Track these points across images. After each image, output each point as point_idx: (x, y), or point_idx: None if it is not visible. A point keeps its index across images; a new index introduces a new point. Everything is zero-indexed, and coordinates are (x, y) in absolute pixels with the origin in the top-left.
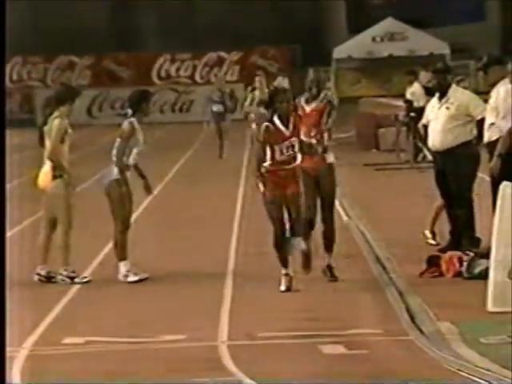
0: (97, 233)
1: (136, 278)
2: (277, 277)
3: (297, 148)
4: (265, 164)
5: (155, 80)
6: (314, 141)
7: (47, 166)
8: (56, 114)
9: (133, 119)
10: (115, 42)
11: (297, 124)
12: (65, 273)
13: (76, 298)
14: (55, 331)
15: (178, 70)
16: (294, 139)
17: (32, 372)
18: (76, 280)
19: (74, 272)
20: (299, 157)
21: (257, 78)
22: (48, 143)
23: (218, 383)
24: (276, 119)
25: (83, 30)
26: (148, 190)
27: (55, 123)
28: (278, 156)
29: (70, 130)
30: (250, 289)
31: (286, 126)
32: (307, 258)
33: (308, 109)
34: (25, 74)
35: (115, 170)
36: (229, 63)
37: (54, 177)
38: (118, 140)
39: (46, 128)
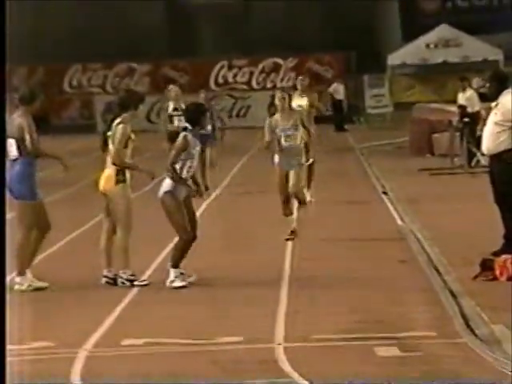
0: (154, 237)
1: (183, 283)
2: (330, 277)
3: None
4: None
5: (213, 86)
6: None
7: (110, 171)
8: (119, 119)
9: (187, 133)
10: (173, 49)
11: None
12: (124, 276)
13: (135, 300)
14: (115, 333)
15: (235, 76)
16: None
17: (92, 373)
18: (135, 283)
19: (133, 275)
20: None
21: (278, 94)
22: (112, 148)
23: None
24: None
25: (142, 38)
26: (200, 194)
27: (119, 128)
28: None
29: (132, 136)
30: (306, 291)
31: None
32: None
33: None
34: (85, 81)
35: (167, 182)
36: (285, 69)
37: (118, 181)
38: (173, 152)
39: (109, 133)
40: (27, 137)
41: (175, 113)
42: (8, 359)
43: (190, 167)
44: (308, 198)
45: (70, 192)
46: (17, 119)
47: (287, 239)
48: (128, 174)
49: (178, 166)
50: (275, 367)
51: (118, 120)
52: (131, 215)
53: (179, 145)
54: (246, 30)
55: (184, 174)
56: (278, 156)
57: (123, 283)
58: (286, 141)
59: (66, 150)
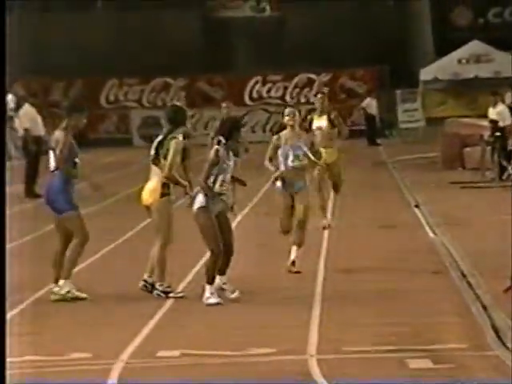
0: (189, 248)
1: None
2: (361, 289)
3: None
4: None
5: (247, 101)
6: None
7: (155, 183)
8: (173, 134)
9: (219, 147)
10: (208, 64)
11: None
12: (160, 288)
13: (170, 312)
14: (150, 344)
15: (269, 91)
16: None
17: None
18: (170, 295)
19: (169, 287)
20: None
21: (287, 111)
22: (164, 162)
23: None
24: None
25: (178, 53)
26: (242, 183)
27: (172, 143)
28: None
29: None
30: (338, 303)
31: None
32: None
33: None
34: (121, 96)
35: (200, 197)
36: (318, 84)
37: (163, 194)
38: (205, 166)
39: (162, 148)
40: (57, 151)
41: None
42: (45, 370)
43: (222, 181)
44: (328, 222)
45: (107, 204)
46: (57, 132)
47: (291, 271)
48: (172, 188)
49: (210, 181)
50: (308, 378)
51: (171, 135)
52: (172, 228)
53: (210, 159)
54: (280, 45)
55: (217, 189)
56: (281, 179)
57: (158, 295)
58: (292, 161)
59: (102, 164)
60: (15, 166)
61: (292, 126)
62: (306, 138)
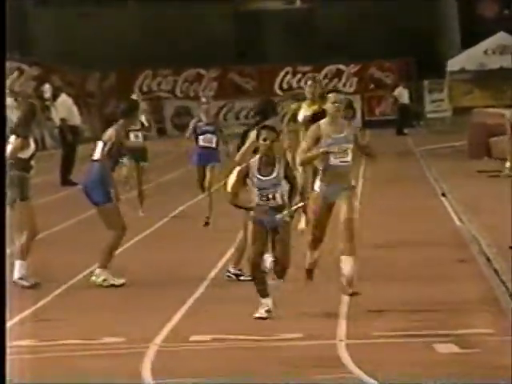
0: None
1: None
2: (390, 276)
3: None
4: None
5: (277, 91)
6: None
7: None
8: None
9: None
10: (240, 56)
11: None
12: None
13: (203, 297)
14: (183, 329)
15: (299, 81)
16: None
17: (161, 367)
18: (241, 278)
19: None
20: None
21: (331, 98)
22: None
23: (339, 380)
24: None
25: (210, 44)
26: None
27: (253, 134)
28: None
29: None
30: (366, 290)
31: None
32: None
33: None
34: (155, 86)
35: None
36: (347, 75)
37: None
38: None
39: (247, 139)
40: (107, 145)
41: (132, 127)
42: (78, 354)
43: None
44: (302, 225)
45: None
46: (112, 128)
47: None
48: None
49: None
50: (338, 363)
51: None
52: None
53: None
54: (310, 36)
55: (257, 201)
56: (320, 179)
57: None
58: (336, 157)
59: None
60: (51, 154)
61: (334, 116)
62: (351, 130)
